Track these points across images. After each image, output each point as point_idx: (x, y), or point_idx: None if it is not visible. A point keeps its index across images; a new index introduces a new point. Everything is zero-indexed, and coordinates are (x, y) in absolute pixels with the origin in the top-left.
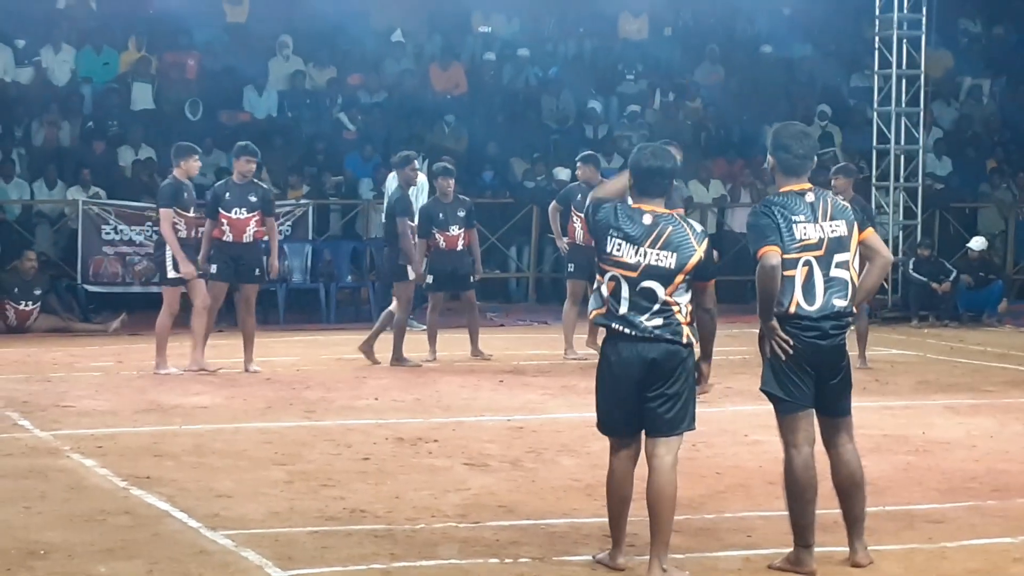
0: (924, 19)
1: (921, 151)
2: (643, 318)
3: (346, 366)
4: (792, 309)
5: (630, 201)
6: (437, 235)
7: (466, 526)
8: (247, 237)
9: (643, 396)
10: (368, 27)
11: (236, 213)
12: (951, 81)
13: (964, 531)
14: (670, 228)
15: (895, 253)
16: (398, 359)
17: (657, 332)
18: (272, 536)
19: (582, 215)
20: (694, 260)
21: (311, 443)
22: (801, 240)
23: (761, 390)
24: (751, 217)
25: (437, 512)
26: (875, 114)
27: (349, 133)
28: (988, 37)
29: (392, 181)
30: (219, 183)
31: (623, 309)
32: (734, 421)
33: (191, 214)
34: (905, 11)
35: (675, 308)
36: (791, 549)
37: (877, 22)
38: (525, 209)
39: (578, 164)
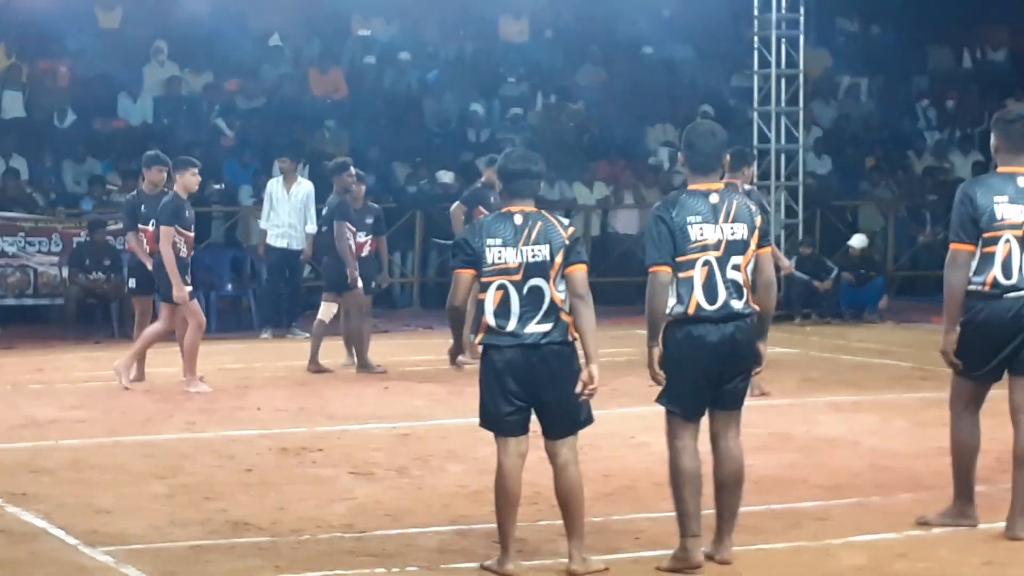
0: (802, 19)
1: (801, 150)
2: (531, 326)
3: (228, 376)
4: (691, 311)
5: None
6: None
7: (352, 536)
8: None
9: (538, 399)
10: (245, 31)
11: (153, 226)
12: (830, 80)
13: (849, 528)
14: (540, 223)
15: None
16: (364, 366)
17: (546, 339)
18: (153, 551)
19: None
20: (565, 245)
21: (192, 455)
22: (697, 241)
23: (657, 401)
24: (649, 219)
25: (322, 523)
26: (755, 114)
27: (227, 139)
28: (865, 36)
29: (275, 186)
30: (131, 196)
31: (511, 325)
32: (621, 423)
33: (191, 233)
34: (783, 11)
35: (562, 308)
36: (677, 548)
37: (756, 23)
38: (408, 214)
39: (484, 167)
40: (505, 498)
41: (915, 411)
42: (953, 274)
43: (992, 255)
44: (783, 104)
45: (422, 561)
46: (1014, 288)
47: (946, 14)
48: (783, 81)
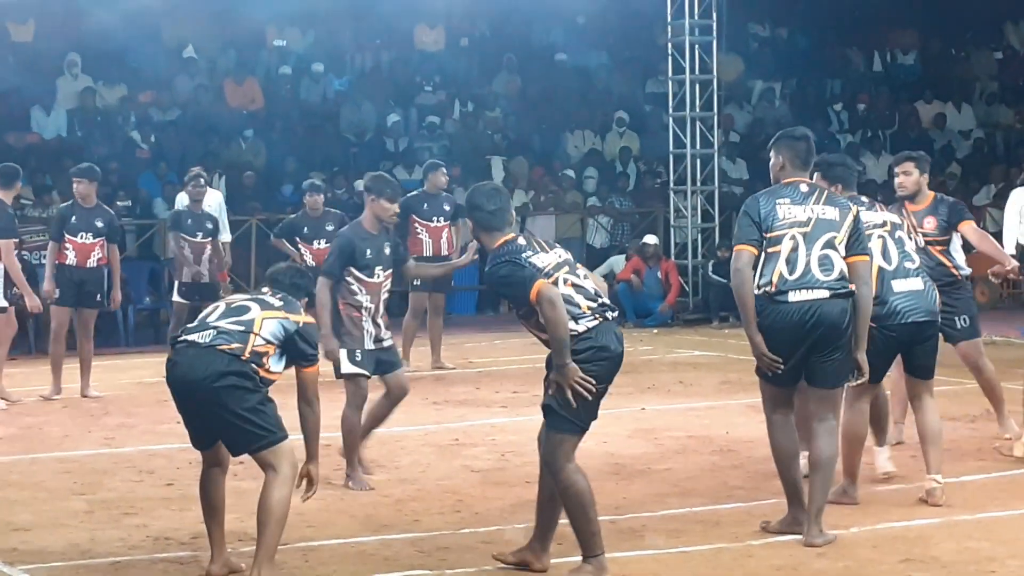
0: (715, 25)
1: (716, 155)
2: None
3: (147, 390)
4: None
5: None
6: (302, 248)
7: None
8: (91, 262)
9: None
10: (159, 43)
11: (82, 238)
12: (743, 85)
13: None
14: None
15: (694, 256)
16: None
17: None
18: (73, 569)
19: (429, 223)
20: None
21: (112, 471)
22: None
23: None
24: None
25: (244, 536)
26: (671, 119)
27: (142, 152)
28: (777, 41)
29: (183, 199)
30: (64, 205)
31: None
32: None
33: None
34: (696, 18)
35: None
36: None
37: (669, 29)
38: None
39: (429, 172)
40: (206, 503)
41: None
42: (736, 276)
43: (776, 254)
44: (698, 109)
45: (345, 572)
46: (799, 286)
47: (856, 18)
48: (697, 87)
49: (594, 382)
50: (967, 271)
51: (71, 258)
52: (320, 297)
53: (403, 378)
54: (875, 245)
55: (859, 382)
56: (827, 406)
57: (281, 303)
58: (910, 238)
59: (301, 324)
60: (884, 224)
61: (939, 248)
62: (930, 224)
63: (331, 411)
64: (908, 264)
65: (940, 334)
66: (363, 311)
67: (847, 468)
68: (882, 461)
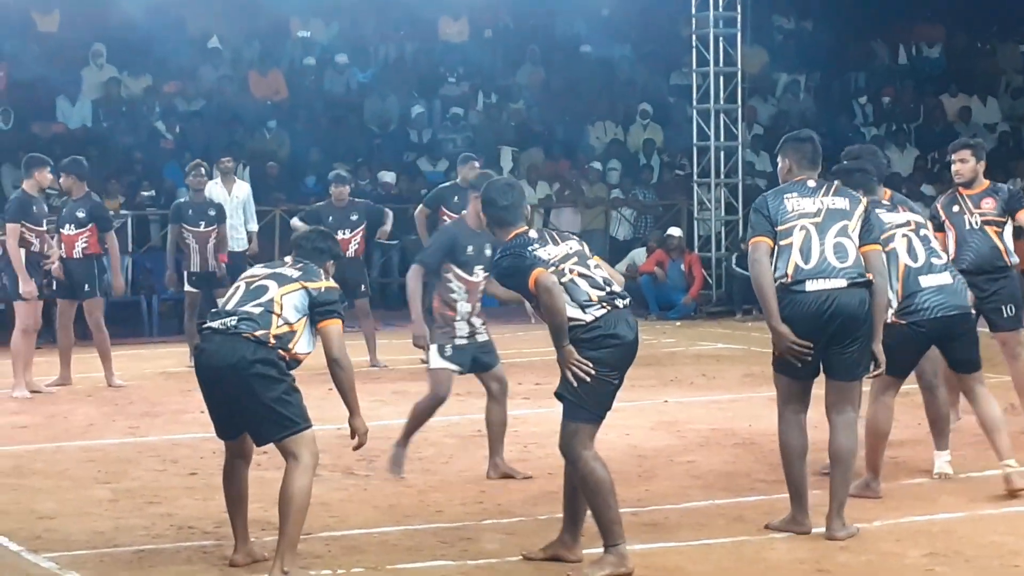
0: (739, 17)
1: (740, 147)
2: None
3: (171, 379)
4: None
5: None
6: None
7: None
8: (76, 252)
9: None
10: (184, 34)
11: (67, 229)
12: (767, 78)
13: None
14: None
15: (717, 248)
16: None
17: None
18: (97, 557)
19: (457, 216)
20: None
21: (136, 460)
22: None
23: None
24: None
25: (267, 525)
26: (694, 112)
27: (167, 142)
28: (802, 34)
29: (214, 187)
30: (60, 200)
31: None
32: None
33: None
34: (720, 10)
35: None
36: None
37: (693, 21)
38: None
39: (459, 166)
40: (229, 494)
41: None
42: (754, 267)
43: (789, 246)
44: (722, 102)
45: (368, 562)
46: (816, 275)
47: (882, 11)
48: (721, 79)
49: (592, 365)
50: (1016, 260)
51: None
52: (411, 285)
53: (499, 373)
54: (900, 244)
55: (876, 373)
56: (845, 399)
57: (300, 272)
58: (935, 236)
59: (322, 288)
60: (908, 223)
61: (995, 229)
62: (989, 204)
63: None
64: (935, 260)
65: (987, 321)
66: (457, 310)
67: (870, 462)
68: (940, 464)
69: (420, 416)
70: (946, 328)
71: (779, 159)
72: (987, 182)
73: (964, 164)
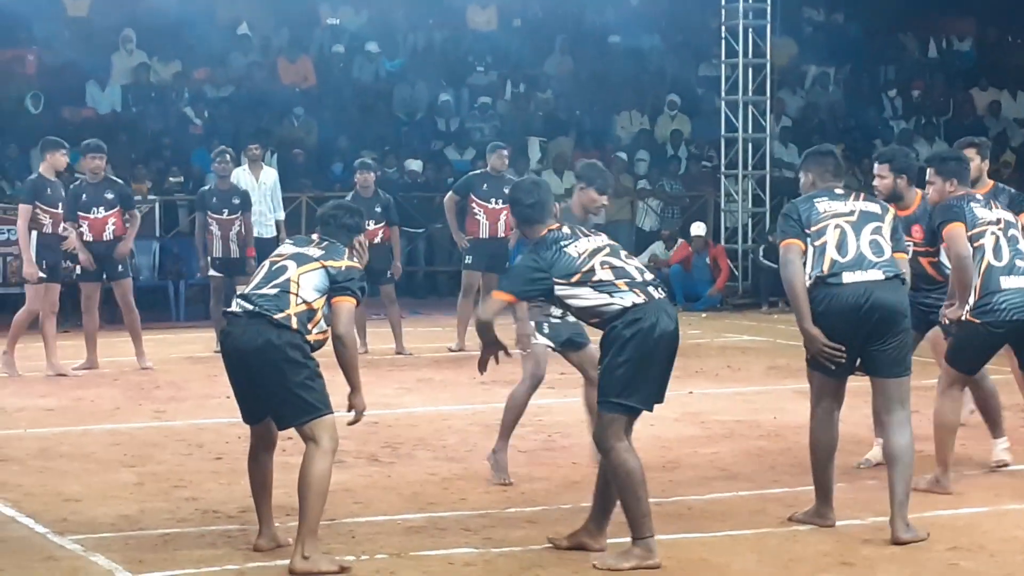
0: (768, 8)
1: (768, 139)
2: None
3: (197, 364)
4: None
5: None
6: None
7: (322, 523)
8: (107, 235)
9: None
10: (213, 20)
11: (95, 212)
12: (796, 70)
13: None
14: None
15: (744, 240)
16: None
17: None
18: (122, 540)
19: (486, 204)
20: None
21: (162, 444)
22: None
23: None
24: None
25: (292, 510)
26: (723, 103)
27: (195, 128)
28: (831, 26)
29: (242, 173)
30: (75, 184)
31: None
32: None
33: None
34: (750, 1)
35: None
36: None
37: (723, 12)
38: None
39: (488, 154)
40: (253, 482)
41: None
42: (787, 268)
43: (824, 245)
44: (750, 93)
45: (391, 548)
46: (853, 267)
47: (912, 4)
48: (750, 70)
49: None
50: None
51: (87, 235)
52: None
53: (592, 353)
54: (988, 242)
55: None
56: (893, 398)
57: (322, 252)
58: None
59: (343, 267)
60: (998, 221)
61: None
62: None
63: (377, 388)
64: (1020, 262)
65: None
66: None
67: (940, 457)
68: (999, 452)
69: (519, 405)
70: (1022, 331)
71: (801, 174)
72: (991, 182)
73: (969, 163)
